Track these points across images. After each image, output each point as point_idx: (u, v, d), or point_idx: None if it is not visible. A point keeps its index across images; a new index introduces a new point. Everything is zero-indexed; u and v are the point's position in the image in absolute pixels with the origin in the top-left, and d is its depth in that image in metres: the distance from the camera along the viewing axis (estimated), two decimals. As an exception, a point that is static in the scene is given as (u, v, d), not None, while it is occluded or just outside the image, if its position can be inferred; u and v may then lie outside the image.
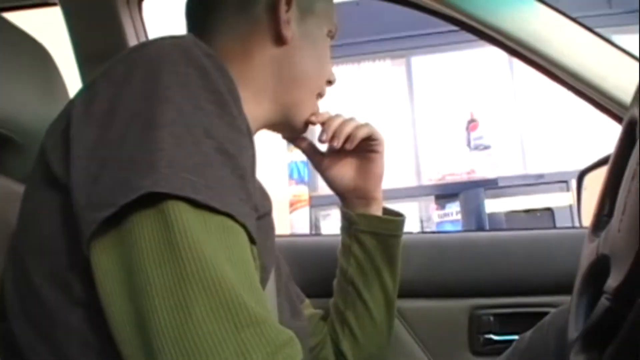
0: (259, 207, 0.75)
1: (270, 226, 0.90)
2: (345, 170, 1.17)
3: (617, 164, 0.82)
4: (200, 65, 0.68)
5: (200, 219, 0.59)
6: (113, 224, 0.60)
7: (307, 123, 1.06)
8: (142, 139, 0.62)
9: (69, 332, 0.65)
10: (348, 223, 1.19)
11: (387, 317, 1.20)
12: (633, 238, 0.65)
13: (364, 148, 1.14)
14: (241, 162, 0.66)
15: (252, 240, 0.65)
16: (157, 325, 0.56)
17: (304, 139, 1.15)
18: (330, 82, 1.07)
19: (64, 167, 0.66)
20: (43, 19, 1.78)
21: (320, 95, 1.06)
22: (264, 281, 0.77)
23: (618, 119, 1.23)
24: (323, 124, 1.10)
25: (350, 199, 1.19)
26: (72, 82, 1.07)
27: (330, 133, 1.09)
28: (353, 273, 1.18)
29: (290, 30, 0.96)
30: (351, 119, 1.12)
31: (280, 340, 0.57)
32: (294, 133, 1.08)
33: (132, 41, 1.50)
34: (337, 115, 1.12)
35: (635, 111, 0.79)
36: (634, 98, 0.81)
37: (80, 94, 0.71)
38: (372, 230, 1.17)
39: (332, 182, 1.18)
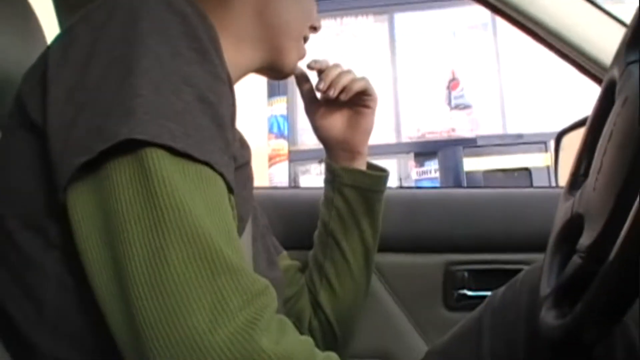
0: (238, 157, 0.75)
1: (248, 176, 0.90)
2: (336, 121, 1.17)
3: (595, 124, 0.83)
4: (180, 11, 0.67)
5: (179, 167, 0.59)
6: (90, 170, 0.60)
7: (295, 67, 1.06)
8: (120, 85, 0.61)
9: (44, 275, 0.66)
10: (332, 176, 1.19)
11: (365, 270, 1.21)
12: (607, 197, 0.66)
13: (357, 102, 1.15)
14: (221, 110, 0.66)
15: (230, 190, 0.65)
16: (133, 272, 0.56)
17: (307, 80, 1.16)
18: (314, 29, 1.05)
19: (41, 112, 0.65)
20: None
21: (305, 39, 1.04)
22: (240, 230, 0.78)
23: (598, 80, 1.24)
24: (321, 71, 1.11)
25: (336, 151, 1.19)
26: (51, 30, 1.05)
27: (327, 82, 1.10)
28: (334, 225, 1.19)
29: None
30: (349, 71, 1.13)
31: (256, 288, 0.58)
32: (280, 77, 1.07)
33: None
34: (336, 65, 1.13)
35: (615, 72, 0.79)
36: (614, 60, 0.82)
37: (58, 38, 0.70)
38: (355, 184, 1.18)
39: (320, 131, 1.19)
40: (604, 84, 0.84)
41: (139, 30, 0.64)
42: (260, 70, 1.02)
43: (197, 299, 0.55)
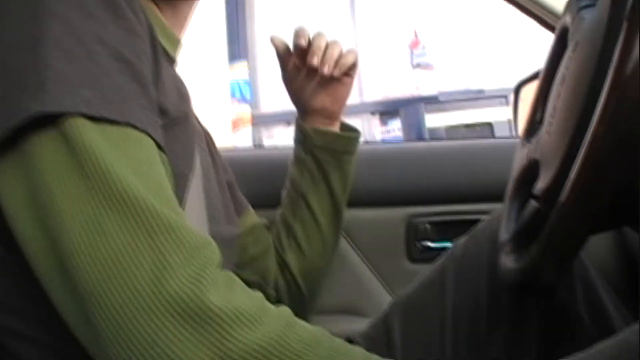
0: (171, 110, 0.72)
1: (187, 131, 0.82)
2: (316, 91, 1.16)
3: (550, 70, 0.84)
4: None
5: (100, 133, 0.58)
6: (9, 148, 0.58)
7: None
8: (29, 56, 0.59)
9: None
10: (303, 137, 1.18)
11: (334, 230, 1.21)
12: (561, 140, 0.67)
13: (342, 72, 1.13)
14: (140, 67, 0.64)
15: (159, 147, 0.64)
16: (70, 245, 0.55)
17: (288, 50, 1.13)
18: None
19: None
20: None
21: None
22: (181, 186, 0.75)
23: (552, 28, 1.25)
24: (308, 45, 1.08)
25: (311, 116, 1.18)
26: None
27: (319, 57, 1.08)
28: (305, 186, 1.18)
29: None
30: (335, 43, 1.10)
31: (196, 243, 0.57)
32: None
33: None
34: (320, 34, 1.10)
35: (567, 19, 0.80)
36: (566, 6, 0.83)
37: None
38: (327, 146, 1.17)
39: (298, 99, 1.18)
40: (557, 30, 0.85)
41: None
42: None
43: (137, 261, 0.54)
